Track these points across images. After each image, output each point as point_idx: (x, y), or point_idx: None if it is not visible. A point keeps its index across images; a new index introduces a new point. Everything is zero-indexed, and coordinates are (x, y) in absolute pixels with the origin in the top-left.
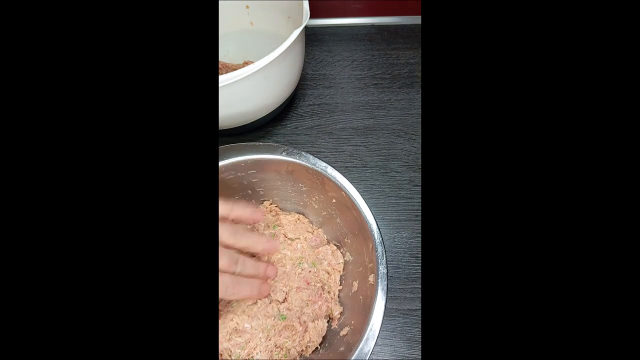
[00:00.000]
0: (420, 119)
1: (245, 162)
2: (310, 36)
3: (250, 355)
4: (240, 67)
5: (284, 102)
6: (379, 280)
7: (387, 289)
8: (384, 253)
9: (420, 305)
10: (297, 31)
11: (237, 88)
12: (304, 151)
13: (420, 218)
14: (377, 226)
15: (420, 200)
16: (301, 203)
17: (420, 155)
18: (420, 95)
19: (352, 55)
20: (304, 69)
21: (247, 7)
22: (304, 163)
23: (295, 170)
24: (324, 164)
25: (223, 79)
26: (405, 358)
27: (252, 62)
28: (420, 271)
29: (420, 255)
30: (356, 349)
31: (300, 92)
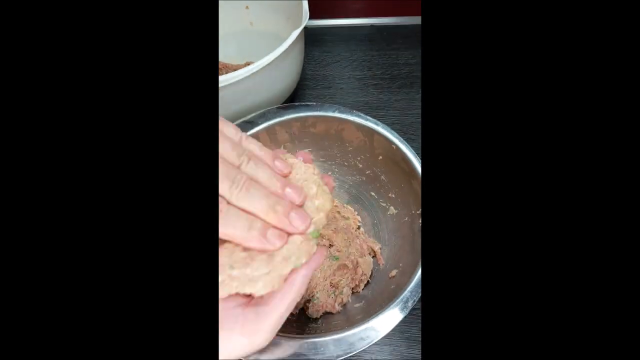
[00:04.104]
0: (419, 119)
1: (298, 119)
2: (310, 36)
3: (311, 295)
4: (240, 67)
5: (283, 103)
6: None
7: None
8: None
9: (420, 305)
10: (297, 31)
11: (237, 88)
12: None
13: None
14: None
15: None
16: (345, 164)
17: (420, 155)
18: (419, 95)
19: (351, 56)
20: (303, 69)
21: (247, 7)
22: (355, 119)
23: (345, 129)
24: (375, 120)
25: (223, 79)
26: (404, 357)
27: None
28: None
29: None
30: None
31: (300, 92)
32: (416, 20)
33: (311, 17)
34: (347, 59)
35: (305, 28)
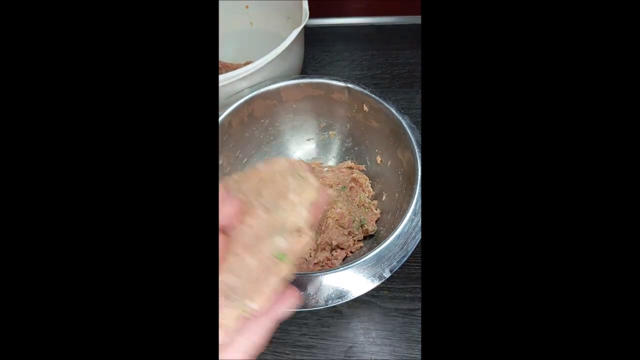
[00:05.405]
0: (420, 119)
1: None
2: (310, 36)
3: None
4: (240, 67)
5: None
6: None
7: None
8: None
9: (419, 305)
10: (297, 31)
11: (237, 88)
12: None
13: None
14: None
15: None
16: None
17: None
18: (419, 95)
19: (351, 55)
20: (303, 68)
21: (247, 7)
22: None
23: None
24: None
25: (223, 79)
26: (404, 358)
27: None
28: (420, 271)
29: (420, 255)
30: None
31: None
32: (416, 20)
33: (311, 16)
34: (347, 59)
35: (305, 27)
